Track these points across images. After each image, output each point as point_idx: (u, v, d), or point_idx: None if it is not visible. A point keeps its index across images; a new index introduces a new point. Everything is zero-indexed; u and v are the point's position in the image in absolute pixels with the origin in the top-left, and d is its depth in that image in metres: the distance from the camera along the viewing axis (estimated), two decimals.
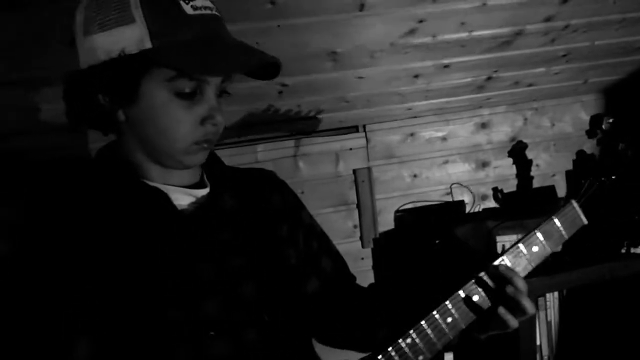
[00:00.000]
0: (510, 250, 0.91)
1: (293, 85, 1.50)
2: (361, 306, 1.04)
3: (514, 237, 1.60)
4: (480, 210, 2.01)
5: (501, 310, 0.86)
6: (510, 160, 2.03)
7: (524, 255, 0.91)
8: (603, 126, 1.99)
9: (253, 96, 1.51)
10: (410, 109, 1.83)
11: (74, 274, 0.75)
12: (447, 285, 0.94)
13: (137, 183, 0.82)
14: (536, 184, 2.05)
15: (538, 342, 1.75)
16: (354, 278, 1.12)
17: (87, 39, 0.73)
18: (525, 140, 2.02)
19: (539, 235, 0.93)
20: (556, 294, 1.72)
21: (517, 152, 2.02)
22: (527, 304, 0.85)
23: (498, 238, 1.61)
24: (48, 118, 1.36)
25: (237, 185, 0.95)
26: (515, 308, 0.86)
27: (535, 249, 0.92)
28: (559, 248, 0.94)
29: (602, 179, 1.01)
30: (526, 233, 0.93)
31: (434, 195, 1.98)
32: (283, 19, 1.22)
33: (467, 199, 2.01)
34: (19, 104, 1.32)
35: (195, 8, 0.73)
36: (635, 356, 1.72)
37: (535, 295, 1.63)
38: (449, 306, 0.88)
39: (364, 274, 1.96)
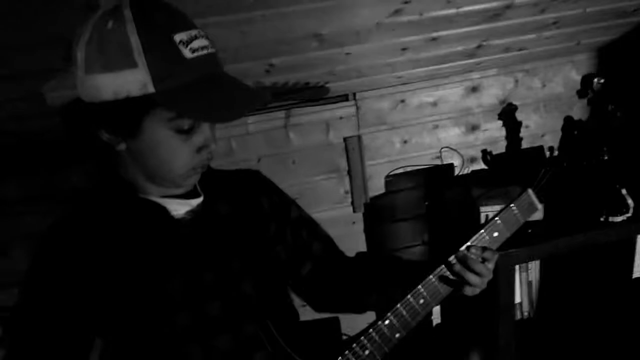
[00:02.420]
0: (475, 237, 1.02)
1: (280, 64, 1.50)
2: (350, 277, 1.13)
3: (496, 207, 1.66)
4: (469, 172, 2.05)
5: (467, 289, 0.99)
6: (500, 122, 2.05)
7: (486, 240, 1.03)
8: (594, 86, 1.99)
9: (240, 75, 1.49)
10: (400, 77, 1.82)
11: (90, 284, 0.85)
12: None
13: (138, 200, 0.89)
14: (526, 144, 2.08)
15: (519, 300, 1.86)
16: (342, 253, 1.19)
17: (88, 76, 0.75)
18: (515, 102, 2.02)
19: (499, 222, 1.04)
20: None
21: (507, 114, 2.03)
22: (483, 280, 0.98)
23: (482, 208, 1.67)
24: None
25: (228, 190, 1.01)
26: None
27: (495, 234, 1.04)
28: (513, 231, 1.05)
29: (555, 167, 1.11)
30: (489, 221, 1.04)
31: (424, 159, 2.02)
32: (266, 9, 1.21)
33: (456, 162, 2.04)
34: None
35: (193, 51, 0.76)
36: (610, 313, 1.83)
37: (520, 263, 1.72)
38: (421, 289, 0.99)
39: (356, 236, 2.04)
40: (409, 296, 0.98)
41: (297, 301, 1.16)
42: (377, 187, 2.00)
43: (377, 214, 2.02)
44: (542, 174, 1.12)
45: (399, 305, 0.98)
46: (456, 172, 2.05)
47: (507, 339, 1.69)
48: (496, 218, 1.03)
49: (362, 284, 1.12)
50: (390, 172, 2.00)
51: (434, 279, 0.99)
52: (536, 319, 1.88)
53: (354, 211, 2.01)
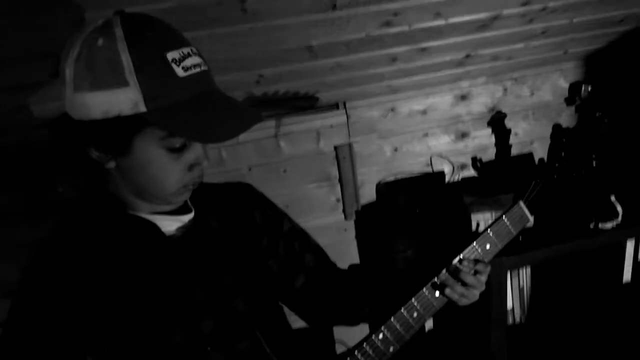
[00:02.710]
0: (468, 249, 1.03)
1: (270, 75, 1.50)
2: (343, 290, 1.13)
3: (488, 215, 1.68)
4: (460, 179, 2.07)
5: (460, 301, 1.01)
6: (490, 130, 2.06)
7: (479, 252, 1.03)
8: (582, 94, 2.02)
9: (230, 85, 1.51)
10: (390, 86, 1.84)
11: (80, 304, 0.83)
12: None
13: (128, 217, 0.87)
14: (515, 151, 2.10)
15: (510, 306, 1.87)
16: (335, 265, 1.18)
17: (77, 94, 0.73)
18: (504, 110, 2.04)
19: (491, 234, 1.04)
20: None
21: (496, 122, 2.05)
22: (475, 293, 1.00)
23: (473, 216, 1.68)
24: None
25: (219, 205, 1.00)
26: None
27: (487, 246, 1.04)
28: (505, 243, 1.07)
29: (546, 179, 1.12)
30: (480, 233, 1.05)
31: (415, 167, 2.03)
32: (256, 22, 1.21)
33: (447, 169, 2.06)
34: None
35: (185, 69, 0.74)
36: (601, 318, 1.85)
37: (512, 269, 1.73)
38: (414, 302, 1.00)
39: (347, 243, 2.04)
40: (402, 310, 0.99)
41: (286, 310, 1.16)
42: (368, 194, 2.01)
43: (368, 222, 2.03)
44: (533, 185, 1.12)
45: (392, 319, 0.99)
46: (447, 179, 2.06)
47: (499, 345, 1.71)
48: (488, 230, 1.04)
49: (355, 297, 1.12)
50: (381, 179, 2.00)
51: (426, 292, 1.00)
52: (528, 324, 1.89)
53: (346, 219, 2.01)
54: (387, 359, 0.99)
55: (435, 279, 1.00)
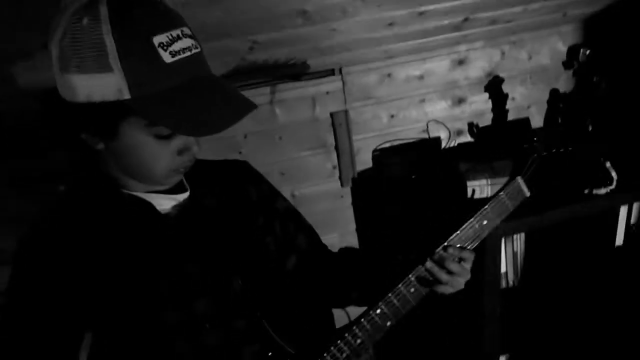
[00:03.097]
0: (465, 225, 1.03)
1: (264, 42, 1.47)
2: (332, 273, 1.14)
3: (483, 182, 1.68)
4: (456, 145, 2.06)
5: (443, 288, 1.01)
6: (487, 95, 2.05)
7: (476, 228, 1.04)
8: (580, 58, 1.99)
9: (222, 52, 1.48)
10: (386, 51, 1.81)
11: (76, 281, 0.84)
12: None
13: (123, 195, 0.87)
14: (512, 116, 2.09)
15: (504, 270, 1.90)
16: (325, 247, 1.20)
17: (64, 75, 0.71)
18: (502, 75, 2.02)
19: (488, 210, 1.05)
20: None
21: (493, 86, 2.03)
22: (459, 280, 1.00)
23: (468, 183, 1.68)
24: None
25: (214, 183, 0.99)
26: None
27: (485, 222, 1.06)
28: (502, 218, 1.08)
29: (543, 154, 1.11)
30: (478, 210, 1.05)
31: (411, 133, 2.02)
32: None
33: (443, 135, 2.05)
34: None
35: (173, 54, 0.71)
36: (593, 281, 1.88)
37: (503, 236, 1.75)
38: (401, 288, 1.01)
39: (344, 211, 2.05)
40: (389, 294, 1.00)
41: None
42: (364, 161, 2.00)
43: (364, 188, 2.04)
44: (531, 161, 1.12)
45: (390, 295, 1.00)
46: (443, 145, 2.05)
47: (492, 308, 1.74)
48: (486, 206, 1.04)
49: (344, 281, 1.13)
50: (378, 146, 2.00)
51: (412, 279, 1.01)
52: (521, 288, 1.93)
53: (342, 185, 2.02)
54: (384, 332, 1.01)
55: (420, 267, 1.00)
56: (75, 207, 0.88)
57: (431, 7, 1.51)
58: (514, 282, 1.93)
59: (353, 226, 2.09)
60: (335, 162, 1.97)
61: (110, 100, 0.71)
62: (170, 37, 0.71)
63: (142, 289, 0.86)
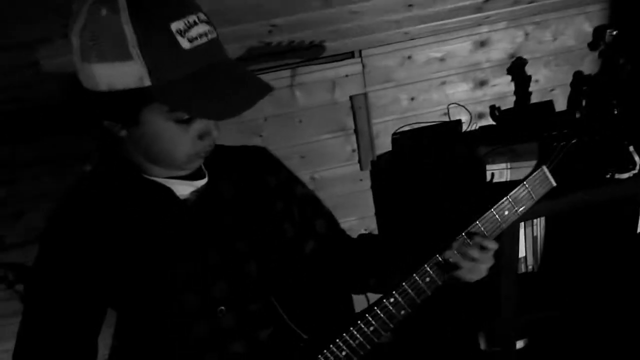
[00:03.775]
0: (485, 215, 1.00)
1: (283, 25, 1.48)
2: (351, 259, 1.15)
3: (503, 166, 1.67)
4: (477, 128, 2.05)
5: (461, 274, 0.98)
6: (509, 77, 2.02)
7: (497, 219, 1.00)
8: (606, 39, 1.94)
9: (241, 36, 1.50)
10: (406, 33, 1.79)
11: (98, 263, 0.88)
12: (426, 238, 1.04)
13: (144, 181, 0.90)
14: (535, 99, 2.05)
15: (523, 254, 1.89)
16: (344, 232, 1.21)
17: (85, 65, 0.73)
18: (525, 56, 1.98)
19: (510, 200, 1.01)
20: None
21: (516, 68, 2.00)
22: (480, 267, 0.97)
23: (488, 167, 1.67)
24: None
25: (232, 169, 1.01)
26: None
27: (506, 212, 1.01)
28: (525, 210, 1.02)
29: (571, 141, 1.06)
30: (499, 199, 1.00)
31: (432, 116, 2.01)
32: None
33: (464, 118, 2.03)
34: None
35: (191, 40, 0.72)
36: (614, 267, 1.86)
37: (525, 220, 1.74)
38: (416, 278, 0.99)
39: (363, 194, 2.06)
40: (404, 283, 0.99)
41: None
42: (384, 144, 2.00)
43: (384, 172, 2.04)
44: (558, 150, 1.07)
45: (404, 284, 0.99)
46: (464, 128, 2.04)
47: (508, 292, 1.74)
48: (507, 197, 1.00)
49: (362, 267, 1.13)
50: (397, 129, 1.99)
51: (428, 268, 0.99)
52: (540, 273, 1.92)
53: (361, 169, 2.02)
54: (399, 320, 1.00)
55: (437, 256, 0.98)
56: (98, 190, 0.91)
57: None
58: (533, 267, 1.92)
59: (372, 210, 2.10)
60: (355, 145, 1.98)
61: (131, 88, 0.72)
62: (187, 23, 0.72)
63: (161, 271, 0.89)
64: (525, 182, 1.01)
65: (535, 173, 1.02)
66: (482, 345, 1.97)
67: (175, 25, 0.71)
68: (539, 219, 1.82)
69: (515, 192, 1.01)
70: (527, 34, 1.96)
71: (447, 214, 1.84)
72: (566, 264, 1.90)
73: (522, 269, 1.91)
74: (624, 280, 1.87)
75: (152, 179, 0.90)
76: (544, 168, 1.03)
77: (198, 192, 0.94)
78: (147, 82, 0.72)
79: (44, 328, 0.90)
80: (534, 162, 1.09)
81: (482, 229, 0.99)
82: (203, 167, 0.96)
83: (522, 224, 1.82)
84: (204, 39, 0.75)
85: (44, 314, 0.90)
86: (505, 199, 1.00)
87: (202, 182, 0.95)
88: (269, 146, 1.85)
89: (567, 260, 1.90)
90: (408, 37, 1.84)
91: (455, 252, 0.97)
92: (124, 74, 0.71)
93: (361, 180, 2.04)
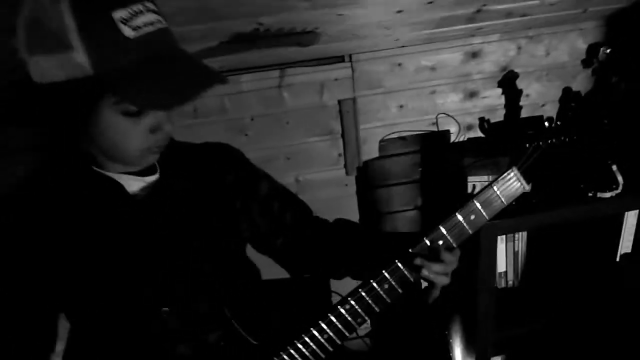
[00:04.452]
0: (449, 219, 0.96)
1: (270, 24, 1.47)
2: (322, 249, 1.13)
3: (485, 178, 1.65)
4: (466, 139, 2.03)
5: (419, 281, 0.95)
6: (500, 90, 2.01)
7: (462, 223, 0.96)
8: (599, 56, 1.93)
9: (227, 34, 1.49)
10: (397, 40, 1.79)
11: (43, 259, 0.86)
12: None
13: (94, 174, 0.88)
14: (525, 113, 2.04)
15: (504, 269, 1.88)
16: (317, 221, 1.17)
17: (31, 57, 0.72)
18: (517, 70, 1.97)
19: (477, 204, 0.96)
20: None
21: (508, 81, 1.99)
22: (439, 279, 0.94)
23: (469, 178, 1.66)
24: None
25: (189, 166, 0.99)
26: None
27: (472, 217, 0.96)
28: (494, 214, 0.99)
29: (544, 142, 1.02)
30: (464, 202, 0.96)
31: (420, 125, 2.00)
32: None
33: (453, 129, 2.02)
34: None
35: (135, 29, 0.71)
36: (594, 288, 1.84)
37: (504, 233, 1.72)
38: (377, 281, 0.95)
39: (348, 199, 2.05)
40: (360, 290, 0.96)
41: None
42: (370, 151, 2.00)
43: (370, 178, 2.03)
44: (531, 150, 1.03)
45: (360, 290, 0.95)
46: (452, 139, 2.03)
47: (486, 307, 1.72)
48: (474, 199, 0.95)
49: (332, 257, 1.12)
50: (385, 136, 1.99)
51: (387, 275, 0.95)
52: (520, 288, 1.90)
53: (347, 174, 2.01)
54: (357, 327, 0.98)
55: (397, 263, 0.94)
56: (48, 181, 0.89)
57: None
58: (513, 282, 1.90)
59: (356, 215, 2.09)
60: (341, 149, 1.97)
61: (76, 77, 0.71)
62: (131, 11, 0.71)
63: (104, 267, 0.88)
64: (493, 184, 0.96)
65: (504, 174, 0.97)
66: None
67: (118, 14, 0.70)
68: (520, 233, 1.81)
69: (483, 194, 0.96)
70: (519, 48, 1.95)
71: (428, 223, 1.82)
72: (547, 280, 1.88)
73: (502, 283, 1.89)
74: (603, 297, 1.85)
75: (102, 173, 0.88)
76: (514, 169, 0.97)
77: (148, 188, 0.92)
78: (90, 72, 0.70)
79: None
80: None
81: (445, 233, 0.95)
82: (156, 163, 0.94)
83: (502, 238, 1.80)
84: (150, 28, 0.73)
85: None
86: (471, 201, 0.96)
87: (154, 177, 0.93)
88: (255, 145, 1.88)
89: (548, 276, 1.88)
90: (399, 44, 1.84)
91: (415, 258, 0.93)
92: (68, 64, 0.70)
93: (346, 185, 2.03)
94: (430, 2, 1.52)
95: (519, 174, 0.98)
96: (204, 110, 1.81)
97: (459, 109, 2.00)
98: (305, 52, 1.75)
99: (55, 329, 0.93)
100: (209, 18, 1.37)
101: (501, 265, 1.85)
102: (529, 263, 1.86)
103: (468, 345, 1.90)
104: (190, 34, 1.41)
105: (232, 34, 1.54)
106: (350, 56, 1.84)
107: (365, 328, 2.22)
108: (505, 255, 1.84)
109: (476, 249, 1.60)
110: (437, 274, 0.92)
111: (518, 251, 1.84)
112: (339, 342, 0.97)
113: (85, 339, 0.95)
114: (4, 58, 1.27)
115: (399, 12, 1.55)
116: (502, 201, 0.97)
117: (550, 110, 2.04)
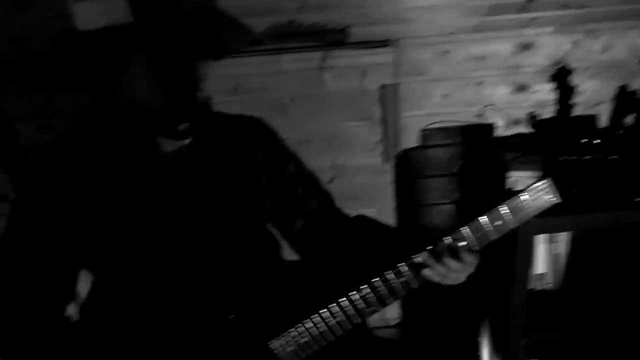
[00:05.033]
0: (475, 222, 0.93)
1: (314, 3, 1.46)
2: (339, 244, 1.11)
3: (527, 174, 1.59)
4: (511, 135, 1.96)
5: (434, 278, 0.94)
6: (552, 85, 1.91)
7: (489, 228, 0.93)
8: None
9: (270, 10, 1.49)
10: (444, 27, 1.74)
11: (75, 209, 0.90)
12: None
13: (130, 132, 0.91)
14: (578, 111, 1.94)
15: (543, 270, 1.81)
16: (339, 212, 1.16)
17: (75, 4, 0.76)
18: (571, 65, 1.88)
19: (506, 210, 0.92)
20: None
21: (561, 76, 1.89)
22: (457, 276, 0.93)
23: (511, 174, 1.60)
24: None
25: (222, 135, 1.01)
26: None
27: (499, 222, 0.93)
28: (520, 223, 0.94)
29: (582, 156, 0.96)
30: (493, 208, 0.93)
31: (464, 116, 1.93)
32: None
33: (499, 122, 1.95)
34: None
35: None
36: (635, 296, 1.74)
37: (537, 233, 1.65)
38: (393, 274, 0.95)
39: (383, 187, 2.02)
40: (376, 280, 0.96)
41: None
42: (410, 139, 1.95)
43: (407, 167, 1.99)
44: (567, 162, 0.97)
45: (376, 280, 0.96)
46: (497, 133, 1.96)
47: (518, 308, 1.66)
48: (502, 205, 0.92)
49: (348, 254, 1.10)
50: (426, 125, 1.94)
51: (404, 268, 0.95)
52: (561, 291, 1.82)
53: (384, 161, 1.98)
54: (367, 316, 0.98)
55: (417, 257, 0.94)
56: (82, 136, 0.93)
57: None
58: (552, 284, 1.83)
59: (392, 204, 2.05)
60: (380, 136, 1.94)
61: (115, 24, 0.74)
62: None
63: (135, 219, 0.91)
64: (525, 192, 0.93)
65: (538, 184, 0.93)
66: None
67: None
68: (562, 235, 1.73)
69: (512, 201, 0.92)
70: (575, 42, 1.85)
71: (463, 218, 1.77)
72: (589, 285, 1.80)
73: (541, 286, 1.82)
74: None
75: (138, 131, 0.91)
76: (549, 181, 0.93)
77: (181, 150, 0.95)
78: (130, 18, 0.73)
79: (19, 250, 0.91)
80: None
81: (471, 235, 0.93)
82: (191, 128, 0.94)
83: (542, 239, 1.73)
84: None
85: (21, 236, 0.92)
86: (500, 206, 0.92)
87: (187, 141, 0.95)
88: (293, 126, 1.88)
89: (591, 282, 1.80)
90: (446, 32, 1.78)
91: (431, 255, 0.92)
92: (107, 11, 0.73)
93: (383, 173, 2.00)
94: None
95: (554, 185, 0.93)
96: (244, 88, 1.82)
97: (507, 102, 1.92)
98: (348, 36, 1.73)
99: (75, 279, 0.96)
100: None
101: (540, 267, 1.79)
102: (570, 266, 1.78)
103: (498, 346, 1.84)
104: None
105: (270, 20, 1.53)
106: (394, 41, 1.80)
107: (396, 318, 2.18)
108: (545, 256, 1.77)
109: (514, 247, 1.55)
110: (453, 271, 0.91)
111: (559, 253, 1.77)
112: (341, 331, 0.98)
113: (106, 292, 0.98)
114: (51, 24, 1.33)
115: None
116: (531, 211, 0.93)
117: (605, 109, 1.93)
